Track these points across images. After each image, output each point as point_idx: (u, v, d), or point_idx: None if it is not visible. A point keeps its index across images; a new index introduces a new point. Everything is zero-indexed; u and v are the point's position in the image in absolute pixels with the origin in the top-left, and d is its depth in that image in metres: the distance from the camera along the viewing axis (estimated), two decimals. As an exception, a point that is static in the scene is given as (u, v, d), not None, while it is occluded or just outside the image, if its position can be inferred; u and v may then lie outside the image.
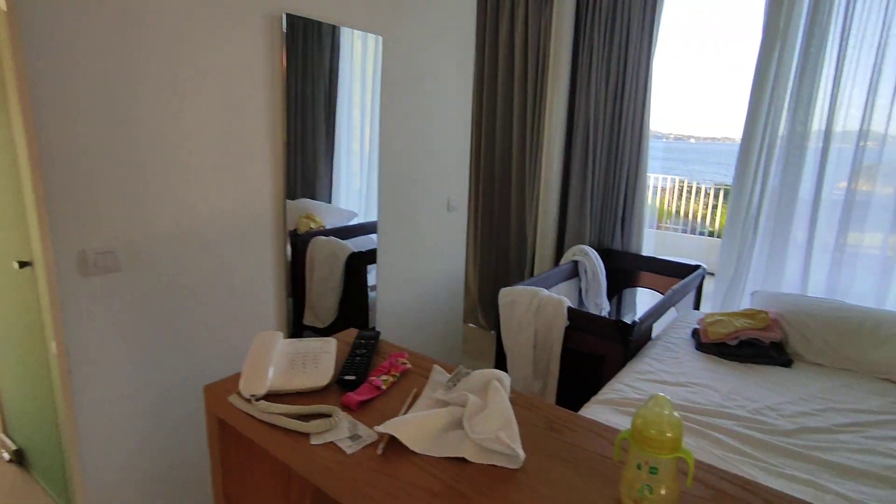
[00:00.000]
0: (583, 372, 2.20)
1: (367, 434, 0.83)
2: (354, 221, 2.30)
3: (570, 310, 2.17)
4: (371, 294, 2.45)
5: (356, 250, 2.32)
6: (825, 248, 2.63)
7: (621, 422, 1.60)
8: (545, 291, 2.25)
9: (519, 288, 2.31)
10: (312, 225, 2.13)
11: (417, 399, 0.94)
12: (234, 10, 1.64)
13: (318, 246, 2.17)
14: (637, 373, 1.95)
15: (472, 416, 0.81)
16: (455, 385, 0.91)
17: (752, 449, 1.52)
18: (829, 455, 1.51)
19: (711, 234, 6.16)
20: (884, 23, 2.38)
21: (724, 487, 0.74)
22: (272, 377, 0.93)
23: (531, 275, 3.51)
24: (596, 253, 3.04)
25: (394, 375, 1.01)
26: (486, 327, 3.85)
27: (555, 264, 3.45)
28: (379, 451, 0.78)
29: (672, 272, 3.07)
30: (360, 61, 2.16)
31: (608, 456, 0.80)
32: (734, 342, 2.10)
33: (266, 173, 1.83)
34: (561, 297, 2.21)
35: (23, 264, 1.60)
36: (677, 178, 6.65)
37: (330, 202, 2.19)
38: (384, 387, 0.97)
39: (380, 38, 2.17)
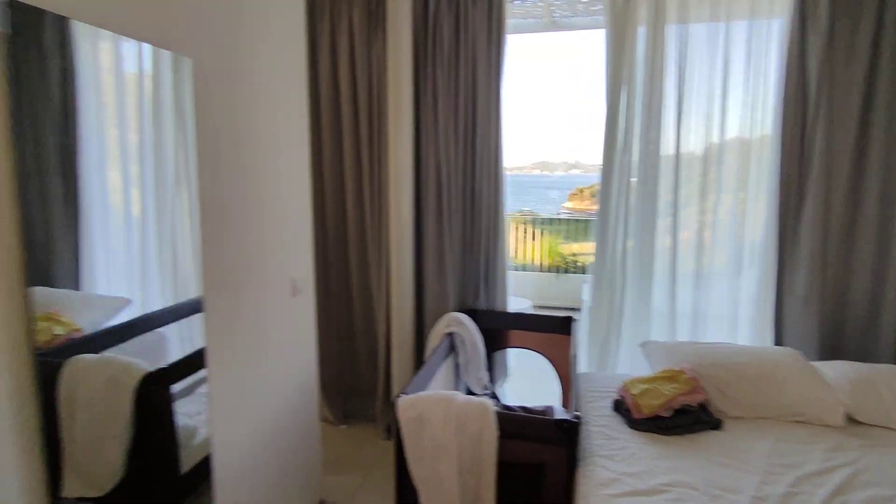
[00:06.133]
0: (518, 489, 1.70)
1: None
2: (126, 314, 1.42)
3: (497, 414, 1.67)
4: (184, 425, 1.57)
5: (152, 368, 1.45)
6: (685, 273, 2.67)
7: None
8: (461, 396, 1.71)
9: (425, 395, 1.72)
10: (59, 330, 1.22)
11: None
12: None
13: (83, 371, 1.27)
14: (601, 485, 1.54)
15: None
16: None
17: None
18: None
19: (524, 268, 6.38)
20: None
21: None
22: None
23: (386, 351, 2.91)
24: (470, 319, 2.62)
25: None
26: (336, 422, 3.09)
27: (414, 336, 2.91)
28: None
29: (541, 326, 2.82)
30: (150, 86, 1.38)
31: None
32: (668, 413, 1.87)
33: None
34: (482, 399, 1.69)
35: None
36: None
37: (78, 288, 1.30)
38: None
39: (187, 61, 1.41)
